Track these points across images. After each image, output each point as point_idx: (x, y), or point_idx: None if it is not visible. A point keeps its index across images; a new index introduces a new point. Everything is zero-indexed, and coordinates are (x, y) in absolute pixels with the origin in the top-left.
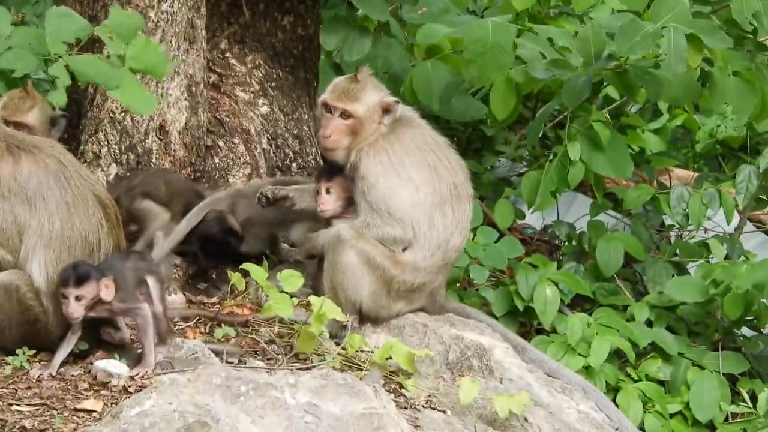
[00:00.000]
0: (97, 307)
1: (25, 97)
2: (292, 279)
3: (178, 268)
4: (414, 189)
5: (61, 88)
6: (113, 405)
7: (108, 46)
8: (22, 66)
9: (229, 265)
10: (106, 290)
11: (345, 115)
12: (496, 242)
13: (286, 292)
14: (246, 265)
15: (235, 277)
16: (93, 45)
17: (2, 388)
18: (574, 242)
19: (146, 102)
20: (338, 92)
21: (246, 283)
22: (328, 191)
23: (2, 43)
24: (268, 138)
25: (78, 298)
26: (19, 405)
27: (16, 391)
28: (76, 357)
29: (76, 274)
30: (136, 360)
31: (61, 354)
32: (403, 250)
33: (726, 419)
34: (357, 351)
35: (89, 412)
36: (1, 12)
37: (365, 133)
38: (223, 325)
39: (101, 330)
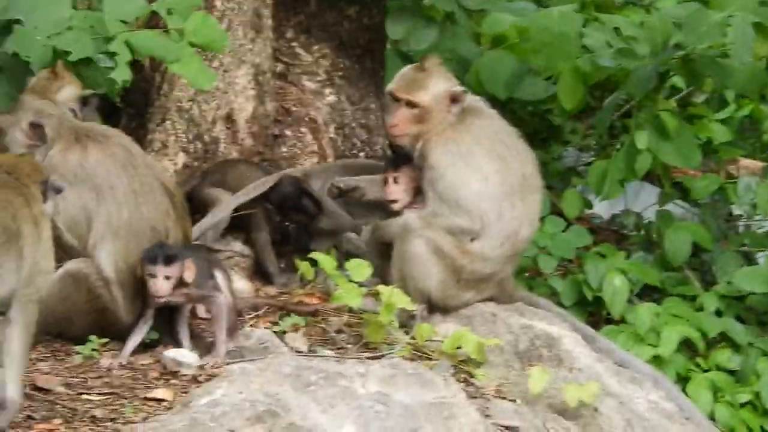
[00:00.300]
0: (177, 290)
1: (53, 78)
2: (360, 268)
3: (245, 257)
4: (483, 179)
5: (123, 64)
6: (183, 394)
7: (166, 20)
8: (79, 50)
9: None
10: (189, 272)
11: (411, 104)
12: (563, 232)
13: (355, 282)
14: (314, 255)
15: (303, 266)
16: (151, 23)
17: (73, 377)
18: (642, 232)
19: (206, 76)
20: (404, 82)
21: (315, 272)
22: (395, 181)
23: (62, 25)
24: (335, 127)
25: (166, 277)
26: (89, 394)
27: (87, 380)
28: (146, 346)
29: (165, 254)
30: (205, 349)
31: (132, 343)
32: (471, 240)
33: None
34: (426, 340)
35: (159, 401)
36: None
37: (433, 123)
38: (292, 314)
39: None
